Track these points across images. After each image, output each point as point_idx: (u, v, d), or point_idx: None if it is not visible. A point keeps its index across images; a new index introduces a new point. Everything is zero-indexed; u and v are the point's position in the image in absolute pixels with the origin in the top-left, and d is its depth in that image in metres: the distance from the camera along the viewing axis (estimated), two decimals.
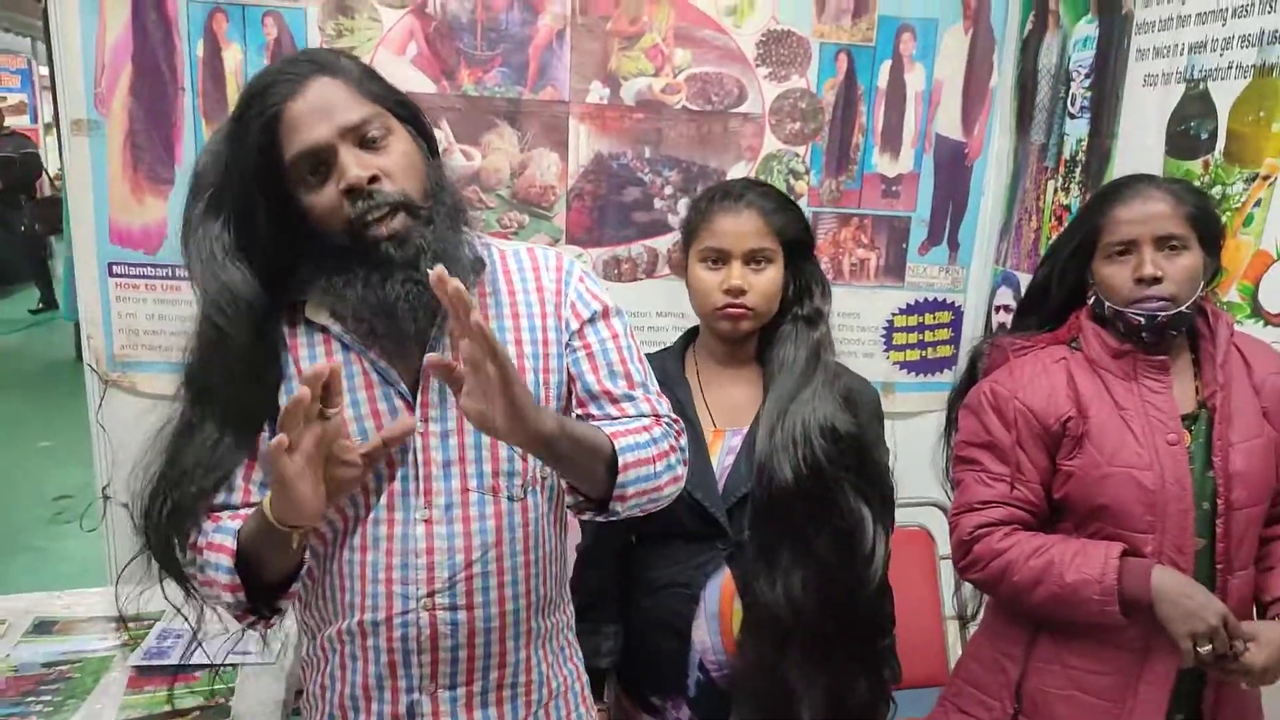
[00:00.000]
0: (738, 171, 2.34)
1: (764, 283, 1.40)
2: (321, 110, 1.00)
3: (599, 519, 1.11)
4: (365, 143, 1.02)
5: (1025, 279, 2.28)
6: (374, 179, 1.01)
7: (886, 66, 2.33)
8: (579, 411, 1.17)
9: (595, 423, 1.13)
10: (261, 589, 1.04)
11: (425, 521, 1.09)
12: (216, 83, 2.12)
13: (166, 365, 2.20)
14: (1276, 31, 1.52)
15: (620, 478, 1.06)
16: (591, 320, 1.18)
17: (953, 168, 2.41)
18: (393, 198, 1.02)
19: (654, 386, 1.20)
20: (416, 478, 1.09)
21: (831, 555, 1.35)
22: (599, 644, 1.43)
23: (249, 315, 1.04)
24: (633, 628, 1.43)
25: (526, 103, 2.23)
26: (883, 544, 1.38)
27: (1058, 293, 1.41)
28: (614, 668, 1.49)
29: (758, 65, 2.28)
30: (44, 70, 9.20)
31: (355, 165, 1.00)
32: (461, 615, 1.10)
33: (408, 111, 1.09)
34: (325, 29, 2.11)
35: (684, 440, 1.19)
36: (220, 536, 1.03)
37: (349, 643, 1.12)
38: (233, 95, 2.12)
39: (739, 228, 1.40)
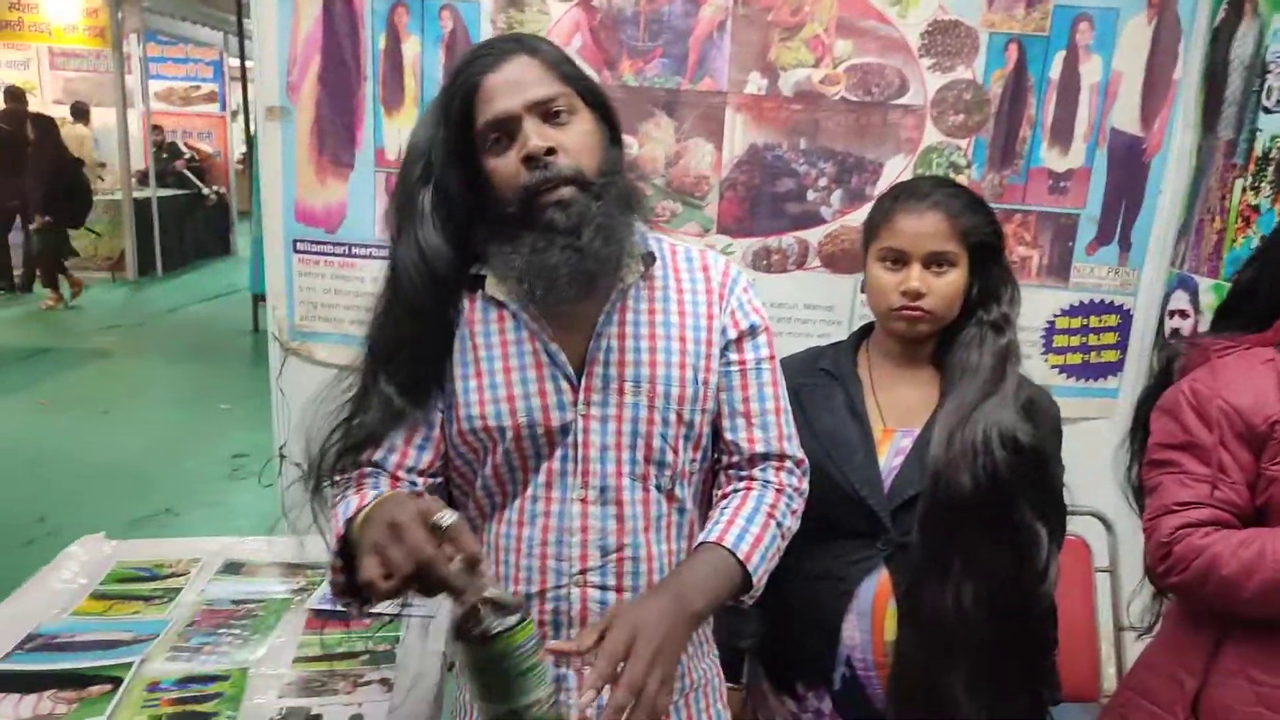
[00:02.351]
0: (895, 164, 2.30)
1: (944, 286, 1.37)
2: (515, 84, 1.07)
3: (729, 602, 1.16)
4: (549, 117, 1.08)
5: (1205, 282, 2.15)
6: (551, 151, 1.06)
7: (1060, 57, 2.24)
8: (717, 423, 1.21)
9: (717, 503, 1.21)
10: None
11: (581, 501, 1.13)
12: (395, 73, 2.25)
13: (340, 337, 2.37)
14: None
15: (750, 570, 1.13)
16: (750, 335, 1.20)
17: (1128, 164, 2.29)
18: (566, 170, 1.07)
19: (790, 415, 1.25)
20: (575, 459, 1.13)
21: (1004, 570, 1.32)
22: (742, 625, 1.43)
23: (433, 279, 1.10)
24: (781, 616, 1.43)
25: (685, 93, 2.26)
26: (1055, 563, 1.33)
27: (1266, 295, 1.34)
28: (754, 650, 1.50)
29: (921, 56, 2.23)
30: (234, 62, 9.93)
31: (535, 136, 1.06)
32: (611, 595, 1.13)
33: (597, 98, 1.14)
34: (497, 21, 2.20)
35: (804, 484, 1.25)
36: (341, 514, 1.03)
37: None
38: (410, 85, 2.25)
39: (921, 229, 1.36)
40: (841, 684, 1.40)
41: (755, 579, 1.15)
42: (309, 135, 2.29)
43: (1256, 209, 1.99)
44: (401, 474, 1.14)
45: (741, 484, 1.22)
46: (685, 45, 2.24)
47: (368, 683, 1.43)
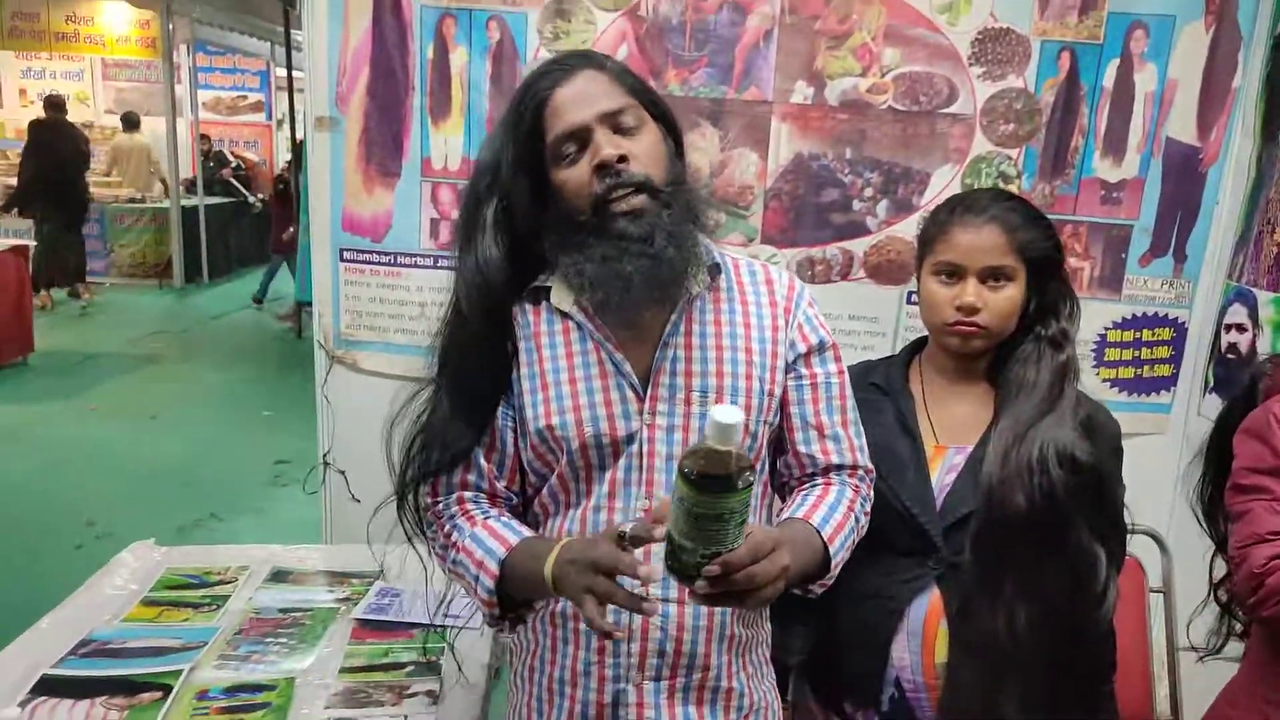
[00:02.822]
0: (943, 174, 2.26)
1: (1000, 302, 1.34)
2: (585, 96, 1.10)
3: (794, 591, 1.14)
4: (619, 128, 1.10)
5: (1264, 295, 2.09)
6: (623, 159, 1.08)
7: (1114, 65, 2.19)
8: (789, 436, 1.21)
9: (802, 486, 1.20)
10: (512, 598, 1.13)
11: (644, 511, 1.13)
12: (443, 83, 2.26)
13: (384, 346, 2.38)
14: None
15: (830, 573, 1.14)
16: (819, 350, 1.21)
17: (1184, 174, 2.24)
18: (637, 177, 1.09)
19: (860, 426, 1.25)
20: (640, 468, 1.13)
21: (1060, 592, 1.29)
22: (789, 641, 1.42)
23: (492, 293, 1.13)
24: (830, 633, 1.41)
25: (730, 103, 2.25)
26: (1114, 586, 1.30)
27: None
28: (801, 667, 1.48)
29: (971, 64, 2.20)
30: (280, 72, 10.09)
31: (608, 145, 1.09)
32: (673, 608, 1.13)
33: (661, 111, 1.16)
34: (544, 31, 2.21)
35: (871, 491, 1.25)
36: (482, 552, 1.11)
37: (560, 626, 1.17)
38: (457, 95, 2.26)
39: (978, 243, 1.34)
40: (890, 705, 1.38)
41: (833, 563, 1.14)
42: (357, 145, 2.31)
43: None
44: (501, 488, 1.20)
45: (820, 480, 1.22)
46: (731, 55, 2.23)
47: (413, 694, 1.43)
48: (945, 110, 2.23)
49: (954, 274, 1.36)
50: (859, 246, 2.31)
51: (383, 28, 2.23)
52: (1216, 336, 2.28)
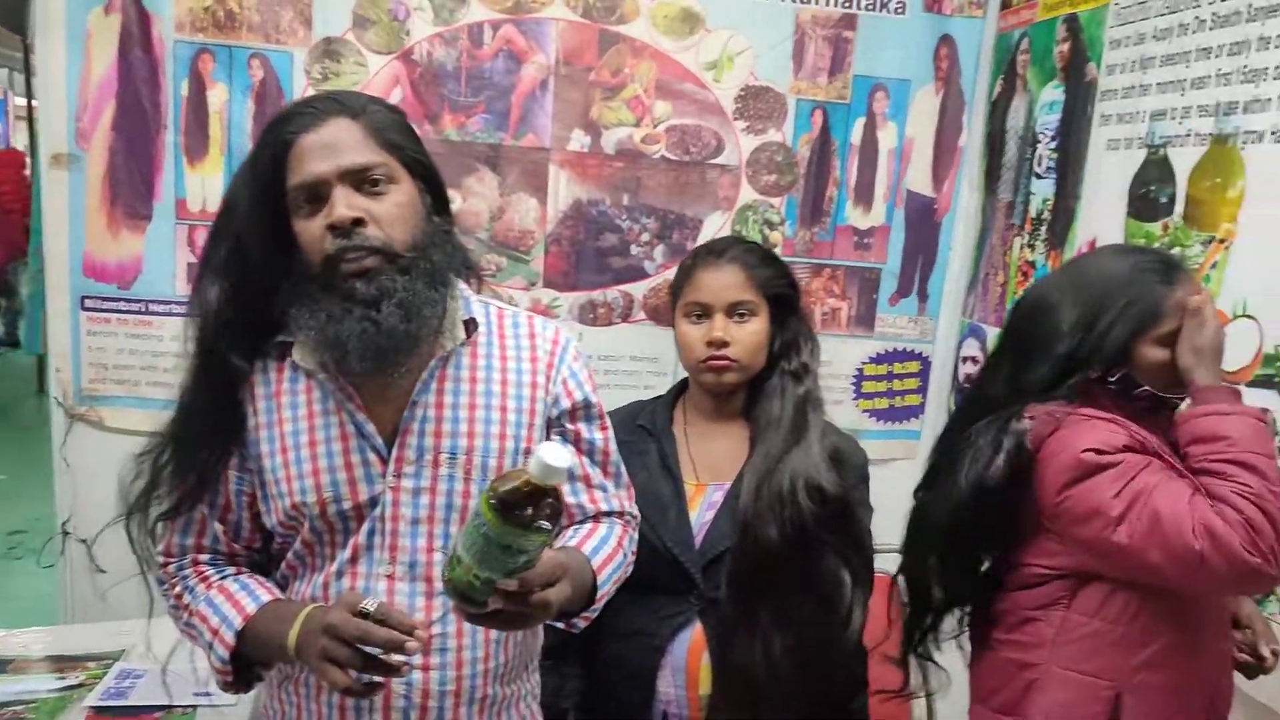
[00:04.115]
0: (714, 220, 2.38)
1: (746, 335, 1.43)
2: (329, 148, 1.03)
3: (558, 625, 1.14)
4: (364, 185, 1.04)
5: (992, 331, 2.34)
6: (359, 221, 1.03)
7: (860, 123, 2.39)
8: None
9: (572, 525, 1.20)
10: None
11: (388, 577, 1.09)
12: (199, 121, 2.13)
13: (135, 400, 2.19)
14: (1232, 103, 1.60)
15: (595, 605, 1.14)
16: (585, 409, 1.20)
17: (923, 222, 2.47)
18: (371, 242, 1.03)
19: (625, 478, 1.26)
20: (383, 532, 1.09)
21: (810, 619, 1.36)
22: (562, 685, 1.42)
23: (206, 343, 1.08)
24: (599, 673, 1.42)
25: (508, 149, 2.26)
26: (860, 608, 1.38)
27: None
28: (575, 707, 1.48)
29: (735, 119, 2.34)
30: (19, 100, 9.17)
31: (343, 205, 1.02)
32: (417, 675, 1.08)
33: (422, 168, 1.10)
34: (312, 72, 2.13)
35: (636, 534, 1.27)
36: (217, 619, 1.07)
37: (305, 696, 1.11)
38: (216, 134, 2.13)
39: (720, 281, 1.43)
40: None
41: (599, 594, 1.13)
42: (101, 185, 2.12)
43: (1033, 264, 2.19)
44: (239, 548, 1.16)
45: (589, 521, 1.22)
46: (508, 101, 2.24)
47: None
48: (714, 161, 2.35)
49: (702, 313, 1.45)
50: (638, 289, 2.38)
51: (130, 61, 2.08)
52: (956, 369, 2.52)
